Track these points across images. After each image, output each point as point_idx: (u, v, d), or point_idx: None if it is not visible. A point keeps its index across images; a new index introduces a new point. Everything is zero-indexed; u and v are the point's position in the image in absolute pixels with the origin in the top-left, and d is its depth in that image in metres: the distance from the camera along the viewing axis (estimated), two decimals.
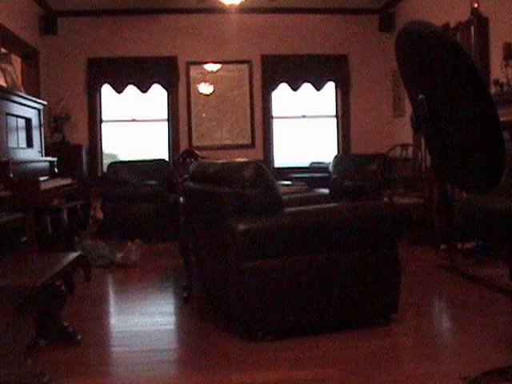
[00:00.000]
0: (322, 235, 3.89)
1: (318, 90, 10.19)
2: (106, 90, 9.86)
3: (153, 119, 10.22)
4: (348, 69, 10.24)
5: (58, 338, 3.85)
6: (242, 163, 4.01)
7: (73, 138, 9.46)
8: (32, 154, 6.17)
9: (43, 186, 5.27)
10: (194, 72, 10.02)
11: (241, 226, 3.74)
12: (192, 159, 8.42)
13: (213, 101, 10.10)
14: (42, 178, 5.52)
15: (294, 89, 10.11)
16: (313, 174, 9.61)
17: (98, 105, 9.90)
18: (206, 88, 10.05)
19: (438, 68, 2.02)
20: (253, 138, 10.14)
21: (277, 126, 10.36)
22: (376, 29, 10.18)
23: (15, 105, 5.80)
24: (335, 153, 10.45)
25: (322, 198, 5.82)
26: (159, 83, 9.89)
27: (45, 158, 6.47)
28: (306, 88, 10.18)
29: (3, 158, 5.23)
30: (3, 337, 3.13)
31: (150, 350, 3.80)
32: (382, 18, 10.11)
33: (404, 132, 9.26)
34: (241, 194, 3.82)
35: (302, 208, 4.26)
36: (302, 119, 10.50)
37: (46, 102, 6.95)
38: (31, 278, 3.26)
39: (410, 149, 8.90)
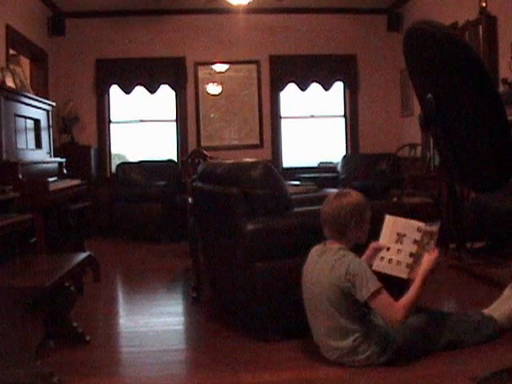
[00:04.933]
0: None
1: (326, 89, 10.18)
2: (115, 90, 9.87)
3: (161, 120, 10.23)
4: (356, 68, 10.22)
5: (67, 339, 3.86)
6: (250, 163, 4.01)
7: (81, 138, 9.48)
8: (41, 155, 6.19)
9: (52, 187, 5.29)
10: (202, 72, 10.02)
11: (250, 226, 3.74)
12: (200, 159, 8.43)
13: (221, 101, 10.09)
14: (50, 179, 5.53)
15: (303, 89, 10.10)
16: (321, 174, 9.59)
17: (107, 105, 9.92)
18: (214, 88, 10.05)
19: (446, 67, 2.02)
20: (261, 138, 10.13)
21: (285, 126, 10.35)
22: (384, 28, 10.16)
23: (24, 106, 5.82)
24: (344, 152, 10.43)
25: None
26: (167, 84, 9.90)
27: (53, 159, 6.48)
28: (315, 88, 10.16)
29: (12, 159, 5.25)
30: (13, 337, 3.14)
31: (159, 350, 3.81)
32: (390, 18, 10.09)
33: (412, 131, 9.24)
34: (249, 195, 3.82)
35: (311, 208, 4.26)
36: (311, 119, 10.49)
37: (54, 103, 6.97)
38: (40, 279, 3.27)
39: (419, 148, 8.88)
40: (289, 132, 10.39)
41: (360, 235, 3.49)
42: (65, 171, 6.50)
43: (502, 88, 6.19)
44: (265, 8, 9.53)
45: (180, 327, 4.53)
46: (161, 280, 5.99)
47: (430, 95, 2.16)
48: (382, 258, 3.51)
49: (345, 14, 10.14)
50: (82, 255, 4.10)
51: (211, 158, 8.50)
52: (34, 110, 6.13)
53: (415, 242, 3.42)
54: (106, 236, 8.98)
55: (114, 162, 9.93)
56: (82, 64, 9.65)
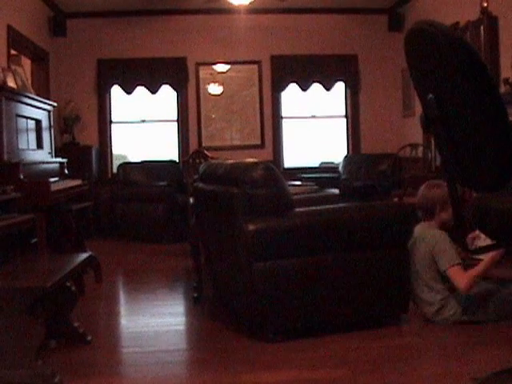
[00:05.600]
0: (331, 235, 3.89)
1: (327, 90, 10.18)
2: (116, 90, 9.88)
3: (162, 120, 10.23)
4: (357, 69, 10.22)
5: (68, 339, 3.86)
6: (251, 164, 4.00)
7: (82, 139, 9.49)
8: (42, 155, 6.19)
9: (53, 187, 5.29)
10: (203, 72, 10.03)
11: (251, 227, 3.74)
12: (202, 160, 8.42)
13: (222, 101, 10.10)
14: (52, 179, 5.53)
15: (304, 89, 10.10)
16: (322, 174, 9.59)
17: (108, 106, 9.92)
18: (215, 88, 10.06)
19: (447, 67, 2.01)
20: (262, 138, 10.14)
21: (286, 126, 10.36)
22: (385, 29, 10.17)
23: (25, 106, 5.82)
24: (345, 153, 10.44)
25: (331, 198, 5.82)
26: (169, 84, 9.90)
27: (55, 159, 6.48)
28: (316, 88, 10.16)
29: (13, 160, 5.25)
30: (14, 338, 3.14)
31: (160, 350, 3.81)
32: (391, 18, 10.09)
33: (414, 132, 9.24)
34: (250, 195, 3.82)
35: (312, 208, 4.26)
36: (312, 119, 10.49)
37: (55, 104, 6.97)
38: (41, 279, 3.27)
39: (420, 148, 8.88)
40: (290, 132, 10.40)
41: (446, 218, 4.26)
42: (66, 171, 6.50)
43: (503, 88, 6.19)
44: (266, 8, 9.53)
45: (181, 327, 4.53)
46: (162, 280, 6.00)
47: (431, 95, 2.15)
48: (476, 246, 4.21)
49: (346, 14, 10.15)
50: (83, 255, 4.10)
51: (212, 158, 8.49)
52: (36, 110, 6.13)
53: None
54: (107, 236, 8.99)
55: (116, 163, 9.93)
56: (83, 64, 9.66)
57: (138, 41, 9.74)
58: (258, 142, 10.13)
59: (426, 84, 2.26)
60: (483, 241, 4.14)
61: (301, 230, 3.84)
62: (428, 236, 4.20)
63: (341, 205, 4.42)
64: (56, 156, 6.73)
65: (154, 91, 9.82)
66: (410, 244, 4.20)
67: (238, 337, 3.97)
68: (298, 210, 3.99)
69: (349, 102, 10.45)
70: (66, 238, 5.88)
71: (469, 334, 3.95)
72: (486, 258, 4.03)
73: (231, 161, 4.42)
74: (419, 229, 4.33)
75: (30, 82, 7.06)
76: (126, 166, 9.51)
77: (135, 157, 10.33)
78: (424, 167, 8.62)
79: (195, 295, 4.95)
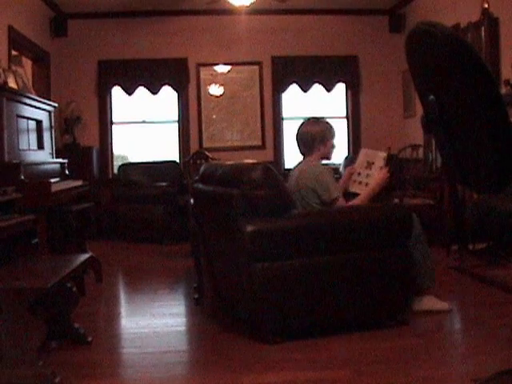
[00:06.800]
0: (331, 236, 3.89)
1: (328, 91, 10.17)
2: (117, 91, 9.86)
3: (163, 121, 10.23)
4: (358, 70, 10.22)
5: (69, 340, 3.87)
6: (250, 165, 4.01)
7: (83, 139, 9.48)
8: (43, 156, 6.19)
9: (54, 188, 5.28)
10: (204, 73, 10.02)
11: (249, 228, 3.74)
12: (202, 161, 8.42)
13: (223, 102, 10.09)
14: (52, 180, 5.53)
15: (305, 90, 10.09)
16: None
17: (109, 106, 9.91)
18: (216, 89, 10.05)
19: (448, 69, 2.01)
20: (263, 139, 10.13)
21: (287, 127, 10.34)
22: (386, 29, 10.15)
23: (26, 107, 5.82)
24: (346, 154, 10.42)
25: None
26: (169, 85, 9.90)
27: (55, 160, 6.48)
28: (317, 89, 10.16)
29: (14, 160, 5.25)
30: (15, 338, 3.14)
31: (160, 351, 3.81)
32: (392, 19, 10.08)
33: (414, 133, 9.23)
34: (249, 196, 3.82)
35: (311, 209, 4.26)
36: None
37: (56, 104, 6.97)
38: (42, 280, 3.27)
39: (421, 149, 8.87)
40: (291, 133, 10.37)
41: (325, 151, 4.68)
42: (67, 172, 6.50)
43: (504, 89, 6.19)
44: (267, 9, 9.52)
45: (182, 328, 4.53)
46: (162, 281, 6.00)
47: (432, 96, 2.15)
48: (355, 181, 4.73)
49: (347, 16, 10.14)
50: (84, 256, 4.10)
51: (213, 159, 8.49)
52: (36, 110, 6.13)
53: (380, 168, 4.55)
54: (108, 237, 8.99)
55: (116, 163, 9.93)
56: (84, 65, 9.65)
57: (138, 41, 9.72)
58: (259, 142, 10.13)
59: (427, 85, 2.26)
60: (364, 177, 4.66)
61: (300, 230, 3.85)
62: (310, 168, 4.54)
63: (340, 206, 4.42)
64: (57, 157, 6.73)
65: (154, 92, 9.82)
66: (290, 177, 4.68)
67: (238, 338, 3.97)
68: (296, 211, 4.00)
69: (349, 103, 10.44)
70: (67, 238, 5.88)
71: (470, 334, 3.95)
72: (367, 189, 4.55)
73: (230, 162, 4.43)
74: (297, 164, 4.78)
75: (30, 82, 7.06)
76: (127, 166, 9.51)
77: (136, 157, 10.31)
78: (425, 168, 8.62)
79: (196, 296, 4.95)
